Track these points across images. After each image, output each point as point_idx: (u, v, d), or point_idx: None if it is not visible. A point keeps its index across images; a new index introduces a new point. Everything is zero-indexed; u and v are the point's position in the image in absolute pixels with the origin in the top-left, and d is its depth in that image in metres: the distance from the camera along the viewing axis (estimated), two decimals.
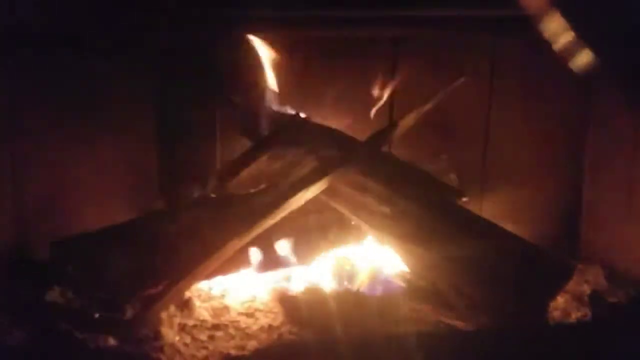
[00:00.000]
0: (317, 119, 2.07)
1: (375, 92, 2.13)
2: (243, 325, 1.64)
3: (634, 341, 1.35)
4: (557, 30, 1.77)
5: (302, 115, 2.02)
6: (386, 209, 1.69)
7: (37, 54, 1.84)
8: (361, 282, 1.82)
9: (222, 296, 1.80)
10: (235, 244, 1.61)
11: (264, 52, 2.08)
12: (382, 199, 1.73)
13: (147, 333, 1.52)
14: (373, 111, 2.10)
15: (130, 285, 1.66)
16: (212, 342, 1.55)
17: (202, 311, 1.68)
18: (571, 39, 1.76)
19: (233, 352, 1.51)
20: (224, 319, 1.67)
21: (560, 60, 1.90)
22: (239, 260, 1.78)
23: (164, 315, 1.59)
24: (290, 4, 2.02)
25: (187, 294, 1.71)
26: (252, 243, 1.71)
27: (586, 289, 1.86)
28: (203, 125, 2.24)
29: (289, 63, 2.14)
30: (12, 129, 1.87)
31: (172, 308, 1.64)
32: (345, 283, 1.84)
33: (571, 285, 1.80)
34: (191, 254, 1.62)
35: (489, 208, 2.19)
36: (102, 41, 1.95)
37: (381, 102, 2.09)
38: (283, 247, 1.85)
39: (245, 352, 1.51)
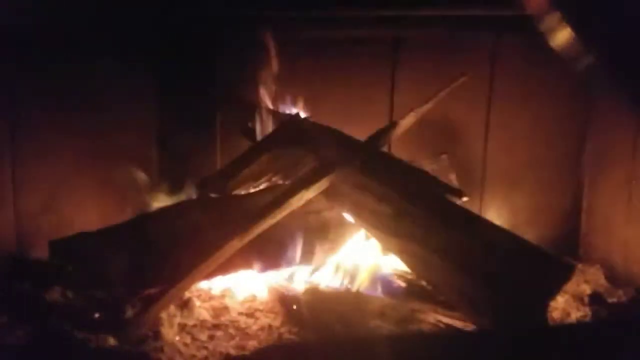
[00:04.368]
0: (318, 119, 2.07)
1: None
2: (243, 325, 1.64)
3: (634, 341, 1.35)
4: (557, 30, 1.77)
5: (302, 115, 2.02)
6: (386, 209, 1.69)
7: (37, 53, 1.84)
8: (361, 282, 1.82)
9: (222, 296, 1.80)
10: (235, 244, 1.61)
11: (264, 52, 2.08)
12: (382, 199, 1.72)
13: (147, 333, 1.52)
14: None
15: (130, 285, 1.66)
16: (212, 342, 1.55)
17: (202, 311, 1.68)
18: (571, 39, 1.76)
19: (233, 352, 1.51)
20: (224, 319, 1.67)
21: (560, 60, 1.90)
22: (239, 260, 1.78)
23: (164, 315, 1.58)
24: (290, 4, 2.02)
25: (187, 294, 1.71)
26: (252, 243, 1.71)
27: (586, 289, 1.86)
28: (203, 125, 2.24)
29: (289, 63, 2.14)
30: (12, 129, 1.87)
31: (172, 308, 1.64)
32: (345, 283, 1.84)
33: (571, 285, 1.80)
34: (191, 254, 1.62)
35: (489, 208, 2.19)
36: (102, 40, 1.95)
37: None
38: (283, 247, 1.85)
39: (245, 352, 1.51)
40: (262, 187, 1.94)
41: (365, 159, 1.82)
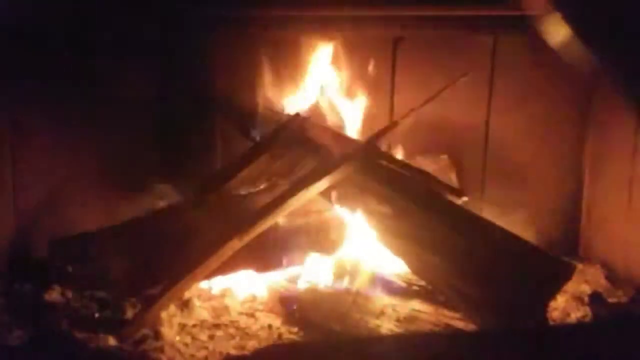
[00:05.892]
0: (317, 119, 2.07)
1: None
2: (243, 325, 1.64)
3: (634, 341, 1.34)
4: (557, 30, 1.77)
5: (303, 115, 2.02)
6: (386, 209, 1.69)
7: (36, 53, 1.84)
8: (361, 282, 1.82)
9: (222, 296, 1.80)
10: (235, 244, 1.61)
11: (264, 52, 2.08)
12: (382, 199, 1.72)
13: (147, 333, 1.52)
14: None
15: (130, 285, 1.66)
16: (212, 342, 1.55)
17: (202, 311, 1.68)
18: (570, 38, 1.76)
19: (233, 352, 1.51)
20: (224, 319, 1.67)
21: (560, 60, 1.90)
22: (239, 260, 1.78)
23: (164, 315, 1.59)
24: (290, 3, 2.02)
25: (187, 294, 1.71)
26: (252, 243, 1.71)
27: (586, 289, 1.86)
28: (203, 126, 2.24)
29: (288, 62, 2.14)
30: (12, 129, 1.87)
31: (172, 308, 1.64)
32: (345, 283, 1.84)
33: (571, 285, 1.80)
34: (191, 254, 1.62)
35: (489, 208, 2.19)
36: (101, 40, 1.95)
37: None
38: (283, 247, 1.85)
39: (245, 352, 1.51)
40: (262, 187, 1.94)
41: (366, 159, 1.82)
